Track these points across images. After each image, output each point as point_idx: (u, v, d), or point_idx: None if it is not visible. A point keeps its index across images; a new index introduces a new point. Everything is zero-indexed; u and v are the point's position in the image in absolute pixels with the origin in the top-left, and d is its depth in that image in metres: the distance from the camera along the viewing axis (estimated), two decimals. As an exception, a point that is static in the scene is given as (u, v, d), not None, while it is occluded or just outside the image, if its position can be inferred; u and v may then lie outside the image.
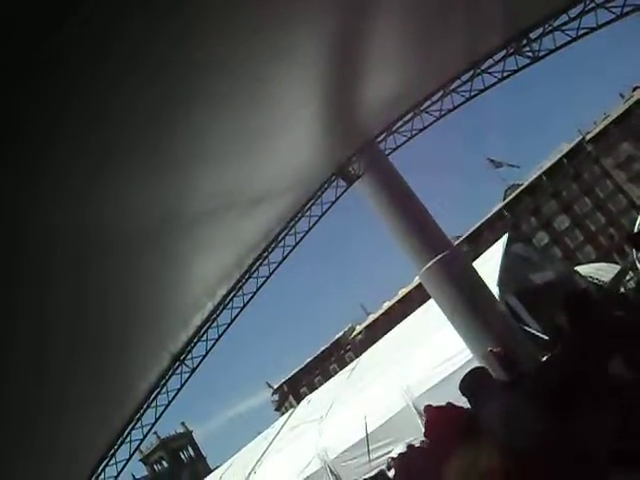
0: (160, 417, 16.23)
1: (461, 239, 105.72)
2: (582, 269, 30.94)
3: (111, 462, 15.92)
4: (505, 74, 13.23)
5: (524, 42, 12.69)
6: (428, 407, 12.70)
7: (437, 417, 9.60)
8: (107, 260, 9.80)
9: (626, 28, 12.79)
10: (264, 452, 22.86)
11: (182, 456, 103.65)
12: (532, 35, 12.61)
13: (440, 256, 14.58)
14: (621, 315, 4.21)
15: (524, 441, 4.38)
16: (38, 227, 7.82)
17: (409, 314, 25.80)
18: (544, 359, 11.91)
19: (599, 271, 31.84)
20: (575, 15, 12.07)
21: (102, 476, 15.74)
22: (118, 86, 6.74)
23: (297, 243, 15.52)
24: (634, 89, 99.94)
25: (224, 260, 14.11)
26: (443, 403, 12.34)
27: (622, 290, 17.28)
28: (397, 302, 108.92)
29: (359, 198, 15.59)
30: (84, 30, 5.67)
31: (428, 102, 13.96)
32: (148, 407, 16.00)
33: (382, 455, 16.78)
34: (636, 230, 28.75)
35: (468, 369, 15.38)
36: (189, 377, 15.97)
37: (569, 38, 12.31)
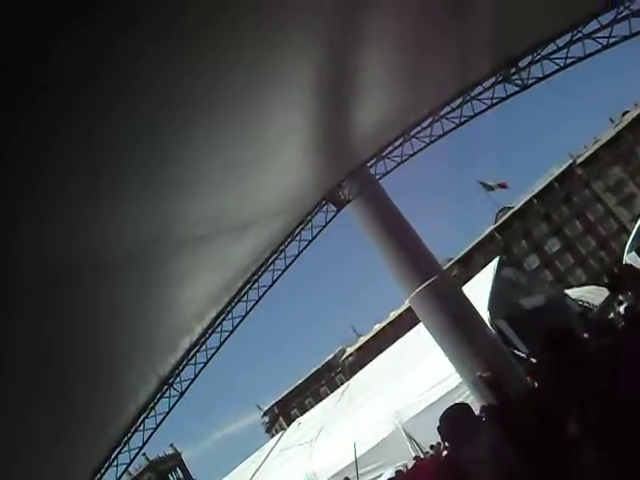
0: (147, 441, 16.15)
1: (452, 261, 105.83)
2: (572, 292, 31.04)
3: (98, 486, 15.83)
4: (494, 101, 13.35)
5: (513, 70, 12.81)
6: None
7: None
8: (97, 285, 9.80)
9: (615, 55, 12.91)
10: (253, 475, 22.78)
11: (171, 478, 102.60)
12: (521, 64, 12.73)
13: (429, 281, 14.63)
14: (602, 354, 4.23)
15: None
16: (27, 256, 7.83)
17: (400, 337, 25.87)
18: (530, 387, 11.96)
19: (589, 294, 31.95)
20: (563, 45, 12.20)
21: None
22: (104, 112, 6.76)
23: (287, 267, 15.55)
24: (624, 114, 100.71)
25: (213, 284, 14.11)
26: (432, 427, 12.41)
27: (611, 315, 17.29)
28: (388, 324, 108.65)
29: (350, 221, 15.70)
30: (68, 57, 5.70)
31: (418, 128, 14.05)
32: (136, 431, 15.92)
33: (372, 479, 16.76)
34: (624, 262, 28.93)
35: (458, 393, 15.53)
36: (177, 401, 15.91)
37: (557, 67, 12.43)
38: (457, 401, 15.47)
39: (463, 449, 5.04)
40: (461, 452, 5.08)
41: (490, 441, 4.89)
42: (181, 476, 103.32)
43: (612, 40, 11.76)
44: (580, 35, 11.99)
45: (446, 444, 11.75)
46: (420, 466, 13.04)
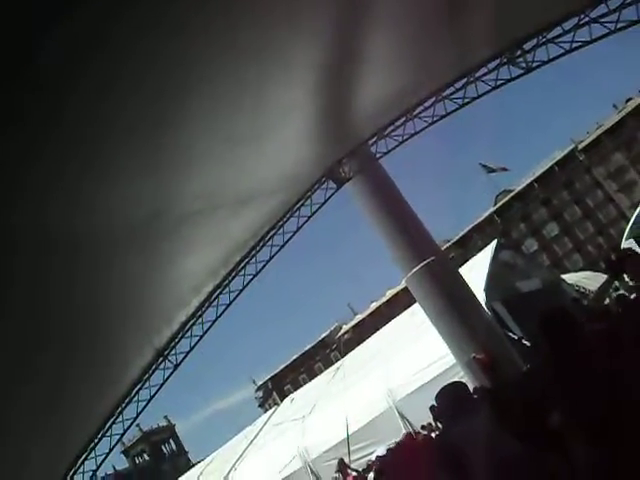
0: (141, 412, 16.23)
1: (451, 243, 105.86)
2: (569, 277, 31.07)
3: (90, 456, 15.94)
4: (498, 83, 13.27)
5: (518, 53, 12.73)
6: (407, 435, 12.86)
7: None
8: (96, 256, 9.82)
9: (621, 40, 12.81)
10: (246, 449, 22.89)
11: (164, 449, 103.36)
12: (526, 46, 12.64)
13: (427, 261, 14.64)
14: (597, 339, 4.24)
15: (493, 465, 4.45)
16: (28, 228, 7.85)
17: (396, 315, 25.89)
18: (524, 371, 12.00)
19: (585, 280, 31.95)
20: (569, 28, 12.10)
21: (81, 469, 15.77)
22: (107, 90, 6.75)
23: (285, 243, 15.55)
24: (627, 100, 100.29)
25: (211, 258, 14.12)
26: (425, 407, 12.47)
27: (607, 301, 17.28)
28: (384, 303, 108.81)
29: (349, 199, 15.69)
30: (71, 38, 5.70)
31: (420, 108, 13.99)
32: (130, 401, 16.00)
33: (363, 456, 16.85)
34: (622, 246, 28.93)
35: (451, 374, 15.60)
36: (172, 373, 15.98)
37: (562, 50, 12.34)
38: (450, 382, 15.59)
39: (457, 427, 5.07)
40: (454, 430, 5.11)
41: (483, 422, 4.92)
42: (174, 448, 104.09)
43: (620, 25, 11.66)
44: (587, 19, 11.89)
45: (438, 424, 11.84)
46: (411, 443, 13.12)
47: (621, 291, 13.11)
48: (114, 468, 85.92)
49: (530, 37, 12.52)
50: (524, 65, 12.79)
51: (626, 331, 5.23)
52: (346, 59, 10.12)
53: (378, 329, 26.35)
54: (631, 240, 28.13)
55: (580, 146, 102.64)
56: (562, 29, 12.22)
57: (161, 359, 15.85)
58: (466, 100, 13.62)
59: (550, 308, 4.43)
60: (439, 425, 12.25)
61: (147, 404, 16.15)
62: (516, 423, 4.43)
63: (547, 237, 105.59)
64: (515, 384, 6.46)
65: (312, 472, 18.78)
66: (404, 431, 16.71)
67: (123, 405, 15.91)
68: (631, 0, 11.37)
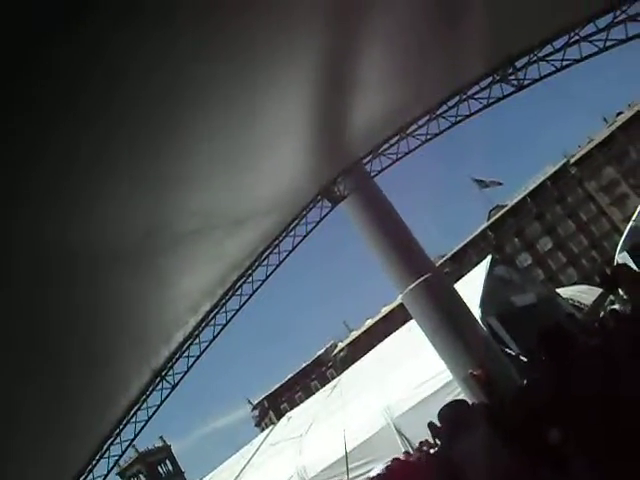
0: (139, 433, 16.19)
1: (445, 258, 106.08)
2: (564, 291, 31.11)
3: (89, 478, 15.86)
4: (490, 101, 13.42)
5: (510, 70, 12.88)
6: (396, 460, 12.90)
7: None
8: (93, 276, 9.84)
9: (611, 57, 12.99)
10: (243, 468, 22.79)
11: (160, 470, 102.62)
12: (517, 64, 12.80)
13: (422, 278, 14.71)
14: (594, 355, 4.29)
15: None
16: (24, 245, 7.87)
17: (391, 332, 25.91)
18: (521, 386, 12.04)
19: (580, 293, 32.02)
20: (560, 47, 12.28)
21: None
22: (103, 106, 6.81)
23: (281, 262, 15.60)
24: (618, 114, 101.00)
25: (208, 277, 14.16)
26: (423, 423, 12.49)
27: (602, 314, 17.36)
28: (380, 320, 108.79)
29: (345, 217, 15.77)
30: (68, 54, 5.75)
31: (414, 126, 14.11)
32: (128, 422, 15.96)
33: (361, 474, 16.82)
34: (616, 262, 29.04)
35: (449, 390, 15.62)
36: (170, 393, 15.95)
37: (554, 68, 12.51)
38: (448, 398, 15.61)
39: (457, 445, 5.11)
40: (454, 448, 5.15)
41: (482, 438, 4.96)
42: (170, 468, 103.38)
43: (608, 43, 11.86)
44: (577, 38, 12.07)
45: (437, 440, 11.86)
46: (407, 462, 13.12)
47: (616, 305, 13.19)
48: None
49: (522, 55, 12.68)
50: (516, 83, 12.94)
51: (620, 346, 5.30)
52: (340, 78, 10.22)
53: (374, 346, 26.36)
54: (625, 253, 28.25)
55: (572, 160, 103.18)
56: (553, 47, 12.39)
57: (158, 379, 15.82)
58: (459, 118, 13.75)
59: (547, 324, 4.49)
60: (437, 442, 12.28)
61: (145, 425, 16.12)
62: (515, 439, 4.46)
63: (541, 251, 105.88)
64: (512, 399, 6.50)
65: (311, 491, 18.74)
66: (403, 449, 16.73)
67: (121, 427, 15.88)
68: (619, 20, 11.55)
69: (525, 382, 12.00)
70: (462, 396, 14.83)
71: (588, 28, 12.02)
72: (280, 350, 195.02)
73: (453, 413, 5.46)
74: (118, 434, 15.97)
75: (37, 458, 12.46)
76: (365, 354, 26.45)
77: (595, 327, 12.79)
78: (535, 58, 12.55)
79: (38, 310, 9.19)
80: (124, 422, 15.88)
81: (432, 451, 13.00)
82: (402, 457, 13.59)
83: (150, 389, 15.84)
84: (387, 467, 12.41)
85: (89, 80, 6.34)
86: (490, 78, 13.17)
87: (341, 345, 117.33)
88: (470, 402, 13.05)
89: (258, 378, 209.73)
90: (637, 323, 5.56)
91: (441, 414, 5.54)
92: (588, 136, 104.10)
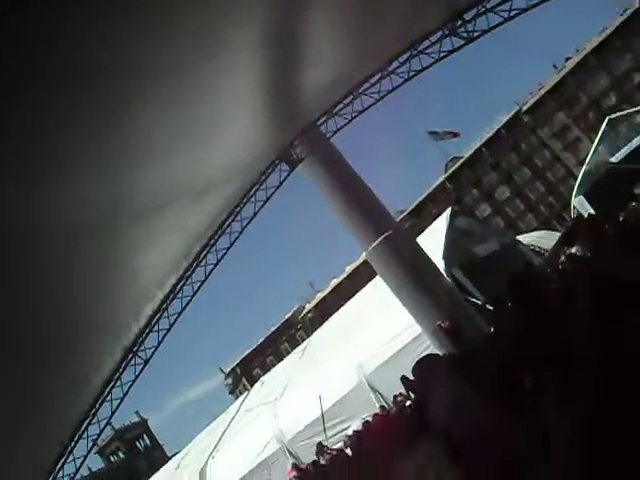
0: (116, 411, 16.20)
1: (405, 213, 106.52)
2: (524, 238, 31.57)
3: (69, 459, 15.89)
4: (441, 55, 13.48)
5: (459, 23, 12.93)
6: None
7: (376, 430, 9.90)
8: (58, 254, 9.76)
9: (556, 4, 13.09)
10: (221, 437, 22.89)
11: (138, 445, 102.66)
12: (466, 16, 12.85)
13: (385, 234, 14.85)
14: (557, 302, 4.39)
15: (467, 431, 4.61)
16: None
17: (358, 291, 26.05)
18: (488, 333, 12.25)
19: (540, 239, 32.53)
20: (507, -4, 12.40)
21: (61, 473, 15.70)
22: (59, 87, 6.72)
23: (243, 229, 15.61)
24: (566, 59, 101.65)
25: (172, 250, 14.11)
26: (396, 379, 12.67)
27: (562, 258, 17.64)
28: (345, 279, 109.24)
29: (304, 179, 15.80)
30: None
31: (367, 84, 14.12)
32: (104, 401, 15.96)
33: (338, 432, 17.02)
34: (572, 207, 29.51)
35: (418, 343, 15.84)
36: (143, 368, 15.98)
37: (502, 19, 12.62)
38: (418, 351, 15.84)
39: (431, 398, 5.22)
40: (429, 401, 5.26)
41: (455, 390, 5.08)
42: (148, 443, 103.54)
43: (553, -10, 12.00)
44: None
45: (411, 394, 12.05)
46: (385, 417, 13.32)
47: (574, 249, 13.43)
48: (89, 469, 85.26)
49: (470, 7, 12.73)
50: (465, 35, 13.01)
51: (581, 289, 5.43)
52: (289, 41, 10.16)
53: (341, 305, 26.49)
54: (580, 197, 28.73)
55: (524, 108, 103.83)
56: (500, -3, 12.51)
57: (131, 356, 15.82)
58: (411, 74, 13.81)
59: (515, 270, 4.60)
60: (412, 395, 12.47)
61: (120, 402, 16.14)
62: (486, 387, 4.58)
63: (499, 200, 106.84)
64: (482, 348, 6.64)
65: (290, 453, 18.92)
66: (377, 405, 16.97)
67: (97, 406, 15.87)
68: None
69: (492, 329, 12.21)
70: (432, 348, 15.09)
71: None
72: (248, 316, 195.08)
73: (424, 368, 5.55)
74: (95, 414, 15.96)
75: (16, 441, 12.43)
76: (333, 314, 26.59)
77: (556, 272, 13.03)
78: (483, 9, 12.64)
79: (4, 292, 9.10)
80: (100, 401, 15.87)
81: (407, 403, 13.20)
82: (381, 413, 13.80)
83: (123, 366, 15.83)
84: (364, 423, 12.60)
85: (45, 60, 6.26)
86: (440, 32, 13.21)
87: (308, 306, 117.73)
88: (440, 354, 13.31)
89: (229, 346, 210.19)
90: (596, 266, 5.69)
91: (413, 370, 5.63)
92: (539, 83, 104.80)
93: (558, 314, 4.18)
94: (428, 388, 5.32)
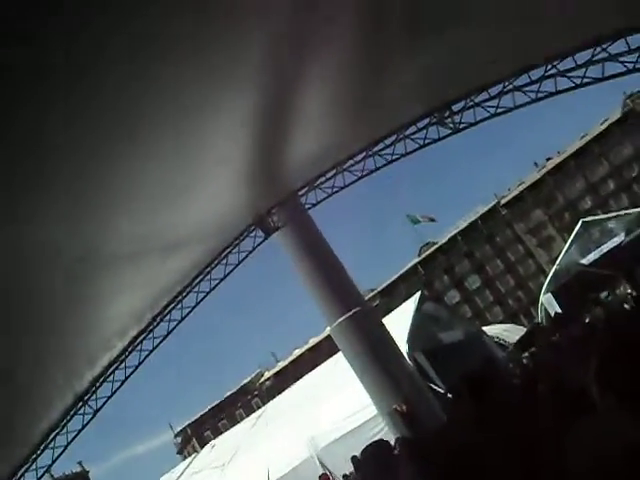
0: (57, 459, 15.78)
1: (376, 291, 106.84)
2: (490, 329, 31.71)
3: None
4: (427, 141, 13.75)
5: (447, 113, 13.24)
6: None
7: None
8: (21, 296, 9.66)
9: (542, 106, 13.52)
10: (163, 498, 22.43)
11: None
12: (455, 108, 13.18)
13: (351, 312, 14.86)
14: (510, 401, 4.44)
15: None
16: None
17: (319, 363, 25.91)
18: (444, 423, 12.20)
19: (506, 332, 32.69)
20: (495, 94, 12.74)
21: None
22: (40, 127, 6.75)
23: (211, 289, 15.56)
24: (547, 159, 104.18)
25: (137, 302, 14.00)
26: (346, 457, 12.53)
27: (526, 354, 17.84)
28: (307, 350, 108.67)
29: (278, 247, 15.85)
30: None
31: (351, 162, 14.33)
32: (46, 448, 15.55)
33: (281, 507, 16.73)
34: (540, 303, 29.89)
35: (373, 424, 15.72)
36: (91, 418, 15.63)
37: (488, 114, 12.96)
38: (372, 432, 15.72)
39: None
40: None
41: (406, 476, 5.06)
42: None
43: (540, 95, 12.37)
44: (511, 87, 12.55)
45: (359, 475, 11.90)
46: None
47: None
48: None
49: (459, 99, 13.06)
50: (452, 126, 13.31)
51: (541, 386, 5.49)
52: (278, 112, 10.32)
53: (301, 376, 26.33)
54: (549, 295, 29.10)
55: (502, 201, 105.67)
56: (489, 94, 12.85)
57: (81, 404, 15.49)
58: (395, 156, 14.04)
59: (472, 367, 4.65)
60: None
61: (63, 451, 15.73)
62: (436, 477, 4.57)
63: (469, 289, 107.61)
64: (436, 435, 6.62)
65: (232, 522, 18.54)
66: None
67: (38, 452, 15.45)
68: (549, 74, 12.06)
69: (448, 418, 12.17)
70: (386, 430, 14.97)
71: (522, 79, 12.50)
72: (206, 377, 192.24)
73: (375, 453, 5.53)
74: (34, 460, 15.54)
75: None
76: (291, 384, 26.39)
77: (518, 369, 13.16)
78: (472, 103, 12.96)
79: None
80: (42, 447, 15.47)
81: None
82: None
83: (72, 413, 15.49)
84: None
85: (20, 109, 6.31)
86: (427, 119, 13.51)
87: (267, 374, 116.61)
88: (389, 442, 13.19)
89: (182, 404, 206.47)
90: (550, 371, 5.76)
91: (361, 454, 5.61)
92: (519, 179, 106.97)
93: (513, 410, 4.22)
94: (373, 475, 5.30)
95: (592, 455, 2.15)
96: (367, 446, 5.66)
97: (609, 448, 2.07)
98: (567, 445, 2.32)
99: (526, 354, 13.00)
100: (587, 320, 13.83)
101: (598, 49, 11.71)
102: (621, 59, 11.67)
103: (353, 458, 11.88)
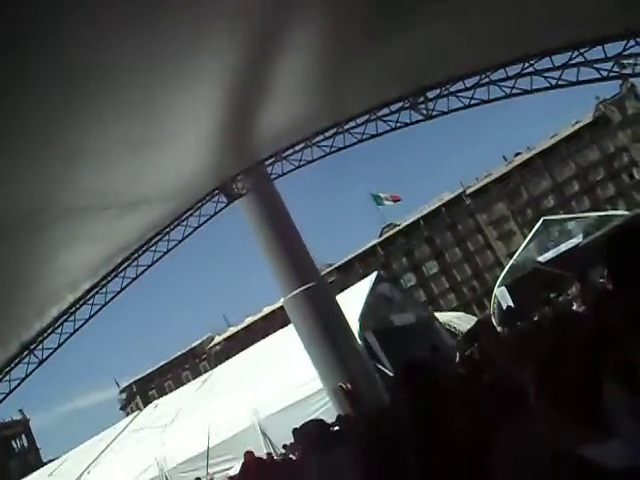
0: (-2, 405, 15.70)
1: (333, 267, 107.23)
2: (442, 316, 32.12)
3: None
4: (398, 125, 13.77)
5: (421, 99, 13.26)
6: (248, 452, 13.06)
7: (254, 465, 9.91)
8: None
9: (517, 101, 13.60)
10: (102, 451, 22.41)
11: (14, 444, 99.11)
12: (429, 94, 13.20)
13: (306, 286, 14.96)
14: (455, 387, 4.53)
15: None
16: None
17: (270, 333, 26.07)
18: (384, 405, 12.37)
19: (457, 320, 33.21)
20: (470, 85, 12.78)
21: None
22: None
23: (169, 250, 15.47)
24: (516, 154, 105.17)
25: (92, 256, 13.84)
26: (288, 427, 12.64)
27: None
28: (260, 319, 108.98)
29: (238, 212, 15.83)
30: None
31: (320, 137, 14.30)
32: (-14, 394, 15.45)
33: (221, 470, 16.85)
34: (493, 295, 30.29)
35: (317, 398, 15.87)
36: (36, 368, 15.49)
37: (462, 105, 13.01)
38: (315, 407, 15.88)
39: (313, 460, 5.28)
40: (310, 462, 5.32)
41: (336, 457, 5.14)
42: (25, 444, 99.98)
43: (514, 91, 12.47)
44: (487, 80, 12.60)
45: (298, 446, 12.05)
46: (262, 462, 13.18)
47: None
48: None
49: (434, 87, 13.08)
50: (424, 112, 13.34)
51: (486, 378, 5.59)
52: (251, 80, 10.23)
53: (251, 344, 26.43)
54: (503, 287, 29.49)
55: (468, 191, 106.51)
56: (464, 85, 12.89)
57: (26, 353, 15.37)
58: (365, 136, 14.04)
59: (420, 352, 4.72)
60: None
61: (4, 398, 15.62)
62: (369, 457, 4.65)
63: (426, 274, 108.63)
64: (373, 418, 6.73)
65: (167, 482, 18.63)
66: (265, 451, 16.87)
67: (-22, 397, 15.36)
68: (527, 72, 12.15)
69: (388, 402, 12.33)
70: (329, 406, 15.14)
71: (499, 73, 12.57)
72: (156, 336, 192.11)
73: (310, 431, 5.62)
74: (-25, 405, 15.46)
75: None
76: (241, 351, 26.49)
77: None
78: (446, 92, 12.99)
79: None
80: (-19, 393, 15.38)
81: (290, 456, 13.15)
82: (256, 454, 13.63)
83: (16, 361, 15.36)
84: (243, 465, 12.48)
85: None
86: (401, 103, 13.52)
87: (218, 339, 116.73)
88: (334, 414, 13.36)
89: (129, 361, 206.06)
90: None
91: (298, 433, 5.72)
92: (486, 171, 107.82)
93: (452, 400, 4.30)
94: (311, 451, 5.37)
95: (517, 459, 2.20)
96: (304, 424, 5.75)
97: (536, 453, 2.12)
98: (496, 443, 2.37)
99: (475, 345, 13.17)
100: (535, 318, 14.03)
101: (575, 53, 11.80)
102: (596, 65, 11.78)
103: (294, 430, 12.01)
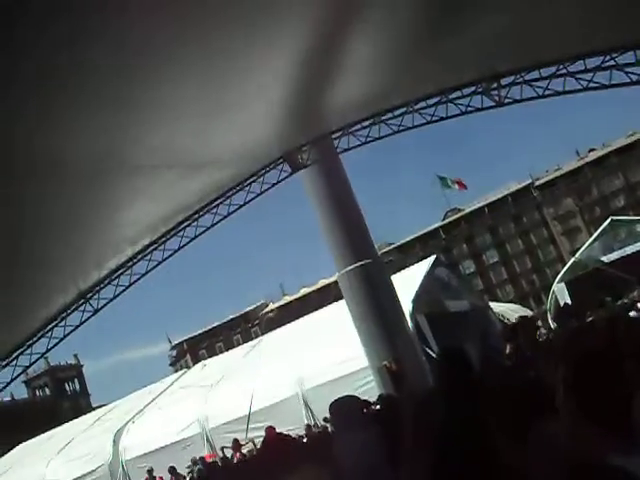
0: (51, 349, 16.14)
1: (392, 247, 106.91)
2: (497, 306, 31.78)
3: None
4: (469, 109, 13.53)
5: (494, 85, 12.99)
6: (269, 427, 13.11)
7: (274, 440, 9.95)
8: (43, 186, 9.73)
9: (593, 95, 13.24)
10: (148, 404, 22.92)
11: (67, 387, 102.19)
12: (503, 81, 12.92)
13: (361, 263, 14.94)
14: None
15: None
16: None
17: (324, 305, 26.16)
18: (428, 390, 12.31)
19: (511, 312, 32.76)
20: (546, 75, 12.45)
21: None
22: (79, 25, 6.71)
23: (229, 214, 15.58)
24: (590, 150, 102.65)
25: (153, 213, 14.02)
26: (330, 401, 12.71)
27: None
28: (315, 291, 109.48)
29: (302, 184, 15.84)
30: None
31: (389, 114, 14.16)
32: (42, 336, 15.89)
33: (260, 436, 17.03)
34: (552, 291, 29.80)
35: (362, 375, 15.89)
36: (91, 316, 15.89)
37: (535, 94, 12.70)
38: (359, 383, 15.91)
39: (343, 438, 5.29)
40: (340, 440, 5.34)
41: (361, 437, 5.16)
42: (77, 388, 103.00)
43: (592, 85, 12.09)
44: (564, 71, 12.25)
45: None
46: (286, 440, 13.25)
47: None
48: (12, 397, 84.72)
49: (509, 74, 12.80)
50: (497, 98, 13.07)
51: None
52: (325, 52, 10.16)
53: (303, 315, 26.59)
54: (562, 284, 29.03)
55: (536, 183, 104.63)
56: (539, 74, 12.55)
57: (82, 301, 15.74)
58: (435, 118, 13.84)
59: (453, 346, 4.67)
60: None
61: (59, 342, 16.06)
62: (399, 442, 4.63)
63: (486, 263, 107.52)
64: (412, 401, 6.70)
65: (207, 440, 18.98)
66: (305, 421, 17.04)
67: (35, 339, 15.81)
68: (606, 66, 11.75)
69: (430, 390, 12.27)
70: (373, 385, 15.16)
71: (577, 65, 12.21)
72: (211, 297, 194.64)
73: (342, 409, 5.63)
74: (30, 345, 15.91)
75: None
76: (293, 320, 26.67)
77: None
78: (521, 80, 12.69)
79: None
80: (38, 335, 15.80)
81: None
82: (296, 424, 13.73)
83: (72, 308, 15.76)
84: (263, 440, 12.56)
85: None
86: (473, 87, 13.28)
87: (272, 306, 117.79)
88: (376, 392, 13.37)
89: (183, 319, 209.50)
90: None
91: (331, 408, 5.72)
92: (557, 164, 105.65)
93: (495, 392, 4.25)
94: (339, 427, 5.39)
95: (542, 459, 2.16)
96: (337, 399, 5.76)
97: (558, 456, 2.08)
98: (523, 441, 2.34)
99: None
100: (591, 318, 13.78)
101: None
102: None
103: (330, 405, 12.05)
